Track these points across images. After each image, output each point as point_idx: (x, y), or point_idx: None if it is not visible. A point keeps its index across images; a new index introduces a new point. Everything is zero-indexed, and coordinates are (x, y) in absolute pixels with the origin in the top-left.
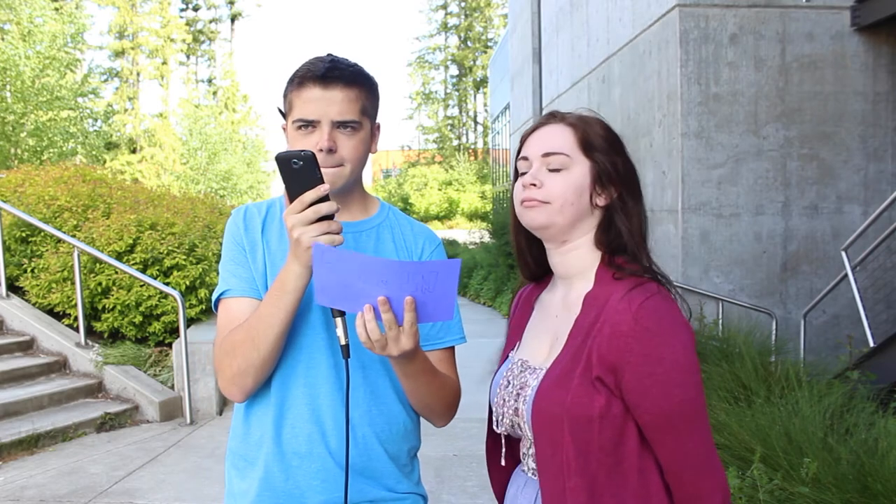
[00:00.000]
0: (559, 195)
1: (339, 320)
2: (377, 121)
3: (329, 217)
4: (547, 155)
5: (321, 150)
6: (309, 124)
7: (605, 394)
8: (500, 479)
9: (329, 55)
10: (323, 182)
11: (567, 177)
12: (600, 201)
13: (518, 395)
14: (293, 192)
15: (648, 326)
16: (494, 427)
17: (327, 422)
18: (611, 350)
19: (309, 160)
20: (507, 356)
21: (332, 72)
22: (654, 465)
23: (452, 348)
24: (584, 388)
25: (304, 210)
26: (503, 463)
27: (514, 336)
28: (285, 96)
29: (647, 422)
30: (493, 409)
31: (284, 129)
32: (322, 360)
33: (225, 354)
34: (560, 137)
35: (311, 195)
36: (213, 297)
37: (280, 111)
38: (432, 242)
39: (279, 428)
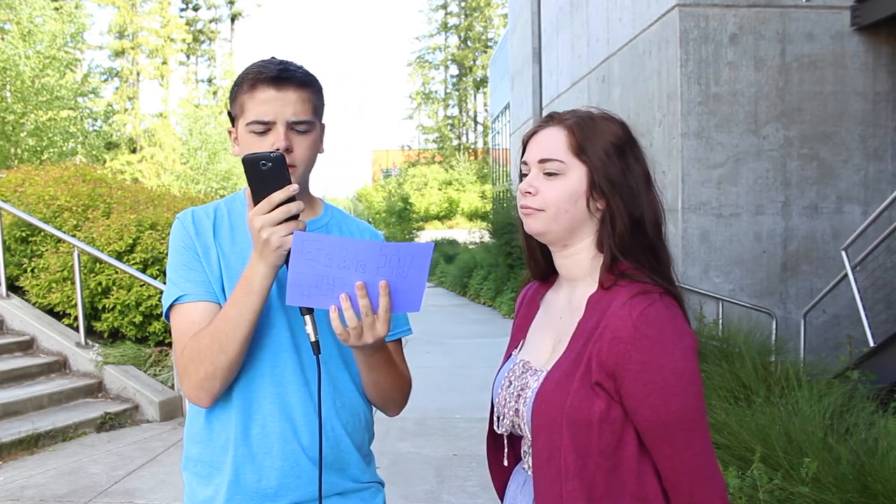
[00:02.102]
0: (553, 202)
1: (307, 317)
2: (322, 121)
3: (295, 217)
4: (543, 161)
5: (278, 150)
6: (264, 125)
7: (604, 398)
8: (501, 478)
9: (273, 58)
10: (291, 182)
11: (562, 183)
12: (599, 205)
13: (519, 396)
14: (260, 193)
15: (648, 334)
16: (495, 427)
17: (298, 419)
18: (610, 356)
19: (278, 161)
20: (511, 355)
21: (284, 73)
22: (653, 470)
23: (400, 340)
24: (584, 392)
25: (272, 210)
26: (505, 463)
27: (517, 335)
28: (235, 100)
29: (645, 428)
30: (495, 409)
31: (231, 133)
32: (288, 359)
33: (190, 360)
34: (555, 142)
35: (279, 195)
36: (165, 304)
37: (229, 115)
38: (376, 238)
39: (247, 429)
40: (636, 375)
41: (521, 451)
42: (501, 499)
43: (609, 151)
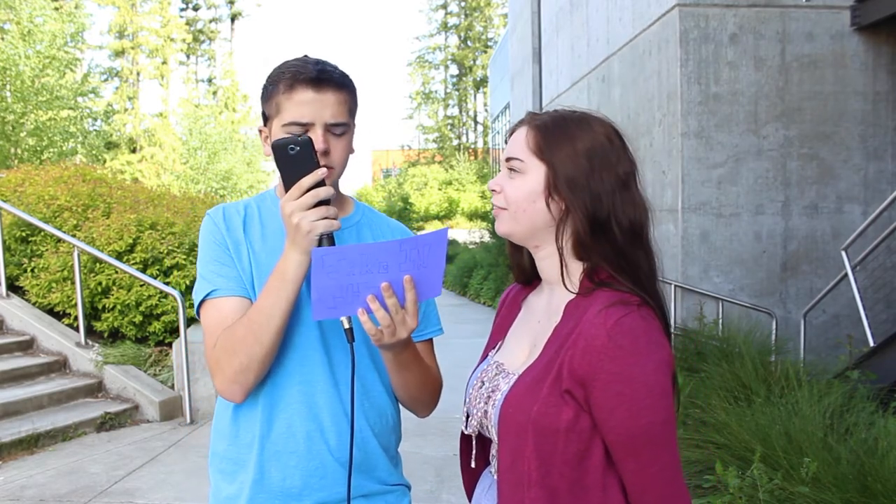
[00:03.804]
0: (513, 201)
1: None
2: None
3: (326, 202)
4: (507, 160)
5: (305, 134)
6: (302, 127)
7: (573, 407)
8: (471, 479)
9: (307, 57)
10: (319, 167)
11: (521, 182)
12: (561, 206)
13: (489, 398)
14: (290, 179)
15: (622, 344)
16: (463, 427)
17: (325, 419)
18: (582, 364)
19: (306, 145)
20: (487, 355)
21: (323, 74)
22: (618, 483)
23: (431, 340)
24: (553, 399)
25: (302, 195)
26: (473, 465)
27: (496, 335)
28: (269, 98)
29: (612, 441)
30: (466, 409)
31: (262, 132)
32: (316, 358)
33: (224, 352)
34: (520, 141)
35: (308, 180)
36: (197, 299)
37: (263, 114)
38: (406, 236)
39: (273, 428)
40: (606, 386)
41: (490, 454)
42: (470, 500)
43: (572, 153)
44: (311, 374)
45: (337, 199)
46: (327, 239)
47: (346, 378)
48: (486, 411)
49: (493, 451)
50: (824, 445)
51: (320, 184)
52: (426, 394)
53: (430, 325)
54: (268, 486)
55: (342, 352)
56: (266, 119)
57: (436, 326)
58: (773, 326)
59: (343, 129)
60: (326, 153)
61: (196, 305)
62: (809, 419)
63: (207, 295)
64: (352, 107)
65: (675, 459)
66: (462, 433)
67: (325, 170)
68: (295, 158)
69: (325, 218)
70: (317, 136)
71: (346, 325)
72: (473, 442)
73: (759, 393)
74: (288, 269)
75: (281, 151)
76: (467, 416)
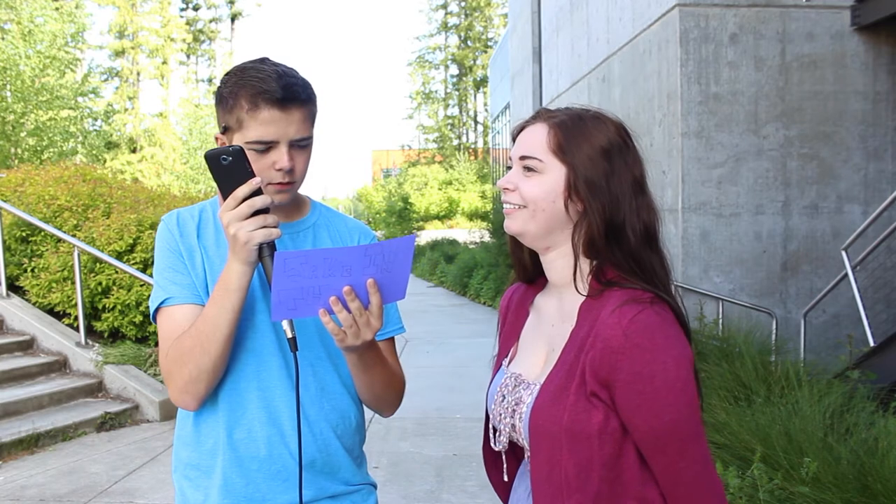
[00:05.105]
0: (531, 200)
1: None
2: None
3: (264, 210)
4: (523, 158)
5: (280, 170)
6: (266, 145)
7: (601, 409)
8: (504, 491)
9: (272, 68)
10: (254, 176)
11: (539, 181)
12: (578, 208)
13: (514, 411)
14: (226, 189)
15: (639, 343)
16: (492, 444)
17: (285, 423)
18: (602, 366)
19: (238, 155)
20: (501, 365)
21: (289, 92)
22: (655, 478)
23: (393, 339)
24: (581, 405)
25: (238, 206)
26: (505, 478)
27: (507, 343)
28: (230, 111)
29: (638, 439)
30: (490, 423)
31: (219, 139)
32: (273, 362)
33: (174, 363)
34: (537, 140)
35: (243, 190)
36: (152, 307)
37: (224, 126)
38: (366, 236)
39: (234, 434)
40: (627, 386)
41: (525, 455)
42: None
43: (592, 153)
44: (269, 380)
45: (293, 203)
46: (268, 247)
47: (305, 382)
48: (513, 425)
49: (526, 457)
50: (824, 445)
51: (257, 192)
52: (391, 393)
53: (391, 324)
54: (233, 492)
55: (299, 356)
56: (226, 129)
57: (397, 325)
58: (774, 326)
59: (307, 141)
60: (292, 171)
61: (151, 313)
62: (809, 419)
63: (162, 303)
64: (314, 117)
65: (704, 452)
66: (486, 449)
67: (259, 179)
68: (228, 168)
69: (264, 227)
70: (282, 154)
71: (290, 335)
72: (504, 456)
73: (759, 393)
74: (231, 279)
75: (214, 162)
76: (495, 432)
